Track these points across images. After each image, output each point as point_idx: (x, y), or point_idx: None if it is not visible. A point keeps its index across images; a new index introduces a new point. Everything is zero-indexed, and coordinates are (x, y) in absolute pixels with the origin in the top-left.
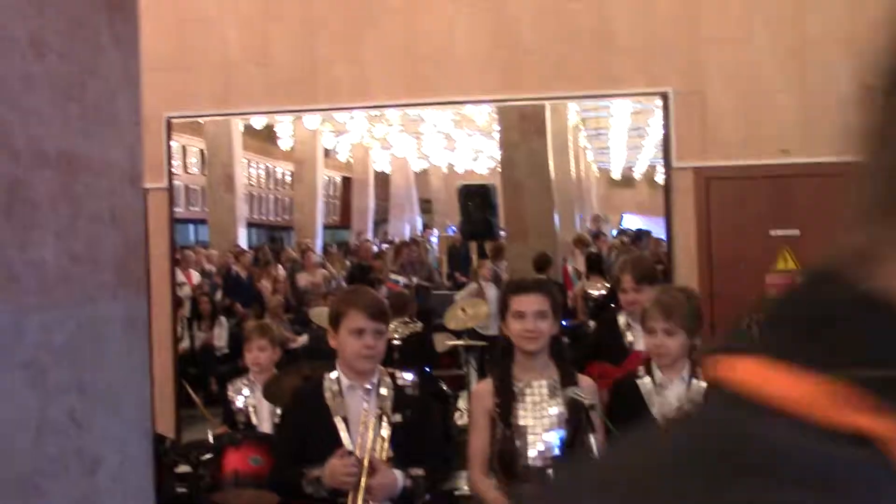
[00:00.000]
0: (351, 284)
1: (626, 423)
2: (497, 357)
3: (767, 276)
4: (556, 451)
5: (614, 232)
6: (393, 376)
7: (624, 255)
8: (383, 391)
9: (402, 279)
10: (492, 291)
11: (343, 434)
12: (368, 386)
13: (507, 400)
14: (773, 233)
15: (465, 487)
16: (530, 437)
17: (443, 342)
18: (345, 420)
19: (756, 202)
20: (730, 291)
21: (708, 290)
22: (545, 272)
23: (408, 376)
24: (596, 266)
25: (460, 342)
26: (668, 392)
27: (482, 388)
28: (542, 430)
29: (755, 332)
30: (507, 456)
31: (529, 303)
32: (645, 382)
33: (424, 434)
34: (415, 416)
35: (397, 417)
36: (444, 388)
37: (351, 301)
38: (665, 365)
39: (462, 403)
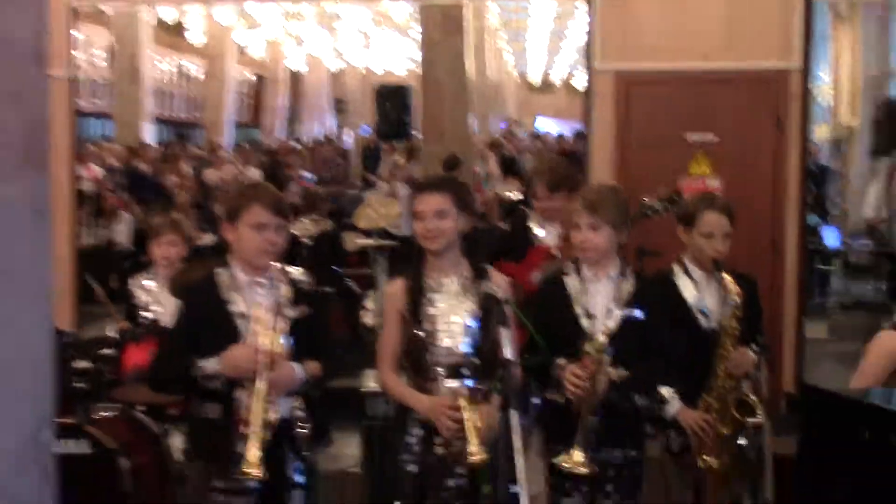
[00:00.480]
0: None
1: (550, 319)
2: (406, 257)
3: (680, 181)
4: (467, 348)
5: (525, 134)
6: (285, 272)
7: (539, 159)
8: (280, 286)
9: (311, 176)
10: (404, 192)
11: (241, 327)
12: (264, 280)
13: (417, 298)
14: (689, 137)
15: (374, 385)
16: (441, 334)
17: (353, 241)
18: (241, 315)
19: (676, 108)
20: (644, 193)
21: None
22: (455, 173)
23: (299, 272)
24: (510, 169)
25: (370, 242)
26: (595, 290)
27: (394, 288)
28: (453, 326)
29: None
30: (415, 353)
31: (427, 202)
32: (571, 279)
33: (320, 329)
34: (311, 310)
35: (294, 312)
36: (353, 287)
37: (252, 195)
38: (591, 261)
39: (370, 303)
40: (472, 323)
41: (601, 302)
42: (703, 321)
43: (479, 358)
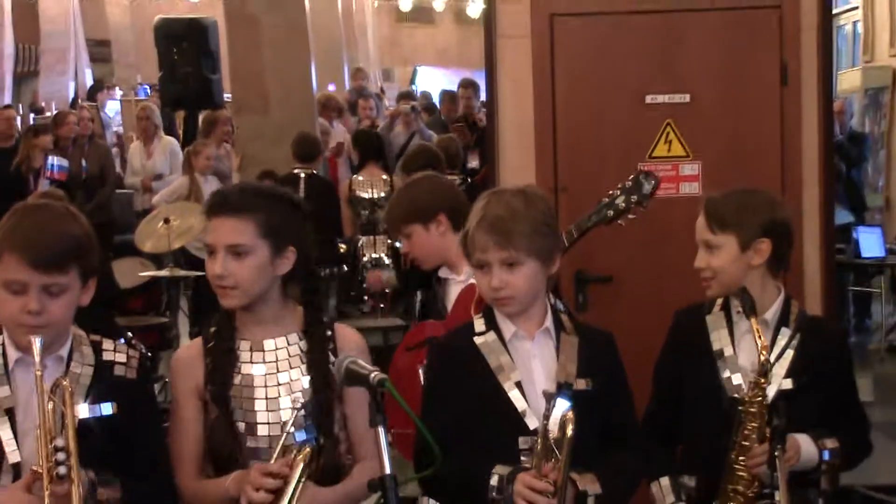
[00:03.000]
0: None
1: (458, 401)
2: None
3: (641, 165)
4: (301, 437)
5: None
6: (98, 345)
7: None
8: (76, 368)
9: (62, 164)
10: (213, 190)
11: (3, 433)
12: (48, 362)
13: (223, 368)
14: (650, 99)
15: None
16: (260, 426)
17: (133, 272)
18: (9, 413)
19: (628, 54)
20: (583, 186)
21: (551, 183)
22: (313, 163)
23: (120, 348)
24: (371, 150)
25: (162, 273)
26: (525, 354)
27: (187, 356)
28: (278, 412)
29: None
30: (224, 454)
31: (219, 231)
32: (486, 340)
33: (135, 436)
34: (123, 408)
35: (94, 409)
36: (134, 345)
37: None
38: (514, 314)
39: (166, 369)
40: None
41: (539, 371)
42: (730, 389)
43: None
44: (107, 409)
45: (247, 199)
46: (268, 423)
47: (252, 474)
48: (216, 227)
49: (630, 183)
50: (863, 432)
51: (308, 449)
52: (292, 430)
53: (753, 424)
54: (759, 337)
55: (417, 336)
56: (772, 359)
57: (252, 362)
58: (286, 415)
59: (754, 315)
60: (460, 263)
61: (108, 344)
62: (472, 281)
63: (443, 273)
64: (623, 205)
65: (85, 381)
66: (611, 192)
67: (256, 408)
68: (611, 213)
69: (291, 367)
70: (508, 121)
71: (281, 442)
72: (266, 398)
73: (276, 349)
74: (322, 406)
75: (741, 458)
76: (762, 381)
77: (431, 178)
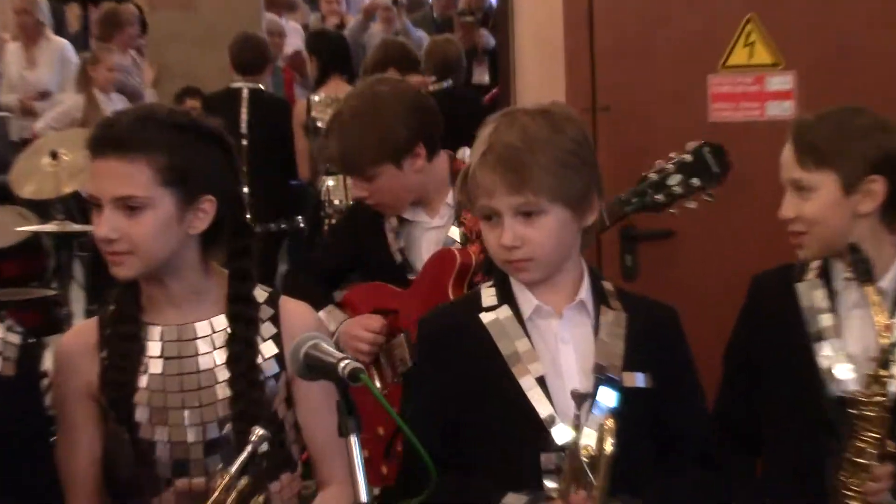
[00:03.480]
0: None
1: (459, 402)
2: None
3: (711, 78)
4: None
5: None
6: None
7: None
8: None
9: None
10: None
11: None
12: None
13: (122, 364)
14: None
15: None
16: (175, 445)
17: (7, 227)
18: None
19: None
20: (630, 103)
21: (587, 102)
22: (258, 75)
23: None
24: (335, 59)
25: (48, 227)
26: (552, 338)
27: (72, 344)
28: (201, 427)
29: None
30: (122, 477)
31: (102, 178)
32: (496, 317)
33: (14, 451)
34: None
35: None
36: (12, 328)
37: None
38: (534, 281)
39: (52, 361)
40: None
41: (570, 361)
42: (833, 383)
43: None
44: None
45: (139, 131)
46: (185, 443)
47: None
48: (99, 171)
49: (690, 157)
50: None
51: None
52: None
53: (871, 434)
54: (879, 313)
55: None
56: None
57: (164, 356)
58: (211, 431)
59: (870, 282)
60: (438, 201)
61: None
62: (454, 239)
63: (410, 214)
64: (680, 189)
65: None
66: (659, 164)
67: (170, 419)
68: (660, 198)
69: (217, 364)
70: (528, 18)
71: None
72: (184, 406)
73: (197, 337)
74: (246, 416)
75: (853, 479)
76: (883, 373)
77: (397, 92)
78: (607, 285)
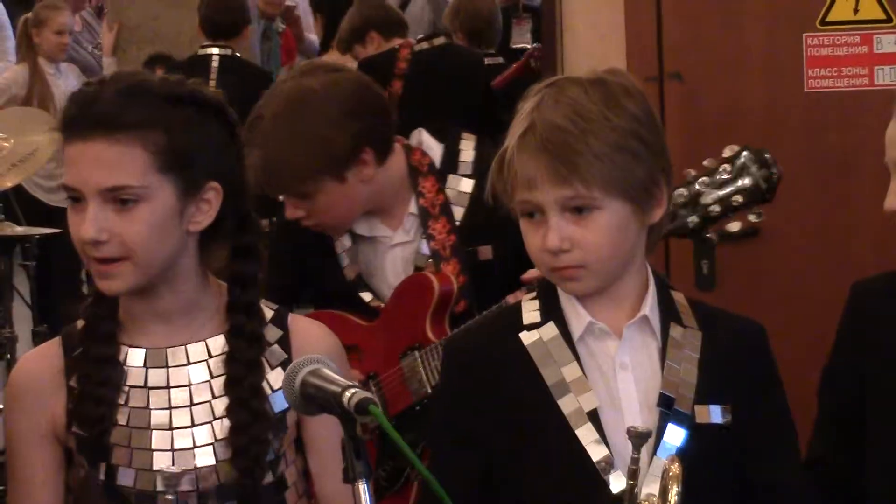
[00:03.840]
0: None
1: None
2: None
3: (807, 37)
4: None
5: None
6: None
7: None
8: None
9: None
10: (72, 87)
11: None
12: None
13: (97, 396)
14: None
15: None
16: (160, 496)
17: None
18: None
19: None
20: (706, 70)
21: (653, 70)
22: (233, 38)
23: None
24: (342, 16)
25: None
26: (605, 359)
27: (31, 372)
28: (194, 473)
29: None
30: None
31: (85, 168)
32: (538, 336)
33: None
34: None
35: None
36: None
37: None
38: (588, 292)
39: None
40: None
41: (630, 392)
42: None
43: None
44: None
45: (129, 105)
46: (174, 490)
47: None
48: (80, 157)
49: (735, 168)
50: None
51: None
52: None
53: None
54: None
55: None
56: None
57: (148, 386)
58: (205, 478)
59: None
60: (399, 210)
61: None
62: (426, 256)
63: (366, 229)
64: (717, 208)
65: None
66: (694, 174)
67: (156, 464)
68: (695, 219)
69: (215, 396)
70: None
71: None
72: (172, 449)
73: (190, 363)
74: (249, 454)
75: None
76: None
77: (329, 85)
78: (678, 297)
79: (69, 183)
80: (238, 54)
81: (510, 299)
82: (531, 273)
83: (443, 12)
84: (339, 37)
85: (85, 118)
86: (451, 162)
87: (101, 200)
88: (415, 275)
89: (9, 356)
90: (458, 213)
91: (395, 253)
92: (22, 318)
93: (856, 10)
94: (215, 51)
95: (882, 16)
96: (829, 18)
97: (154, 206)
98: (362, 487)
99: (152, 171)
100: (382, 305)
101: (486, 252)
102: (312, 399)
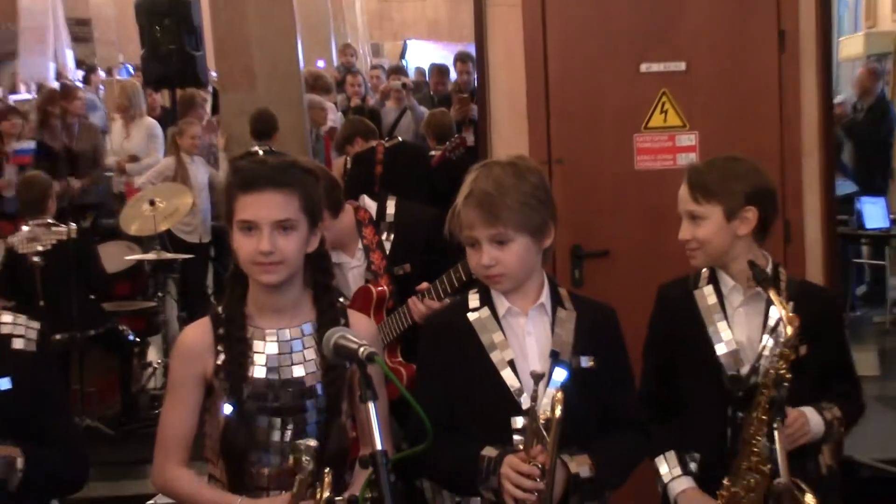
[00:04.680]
0: None
1: (451, 378)
2: (200, 276)
3: (637, 136)
4: (312, 435)
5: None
6: None
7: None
8: None
9: (31, 146)
10: (200, 171)
11: None
12: None
13: (235, 356)
14: (644, 68)
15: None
16: (272, 417)
17: (119, 256)
18: None
19: (620, 22)
20: (577, 156)
21: (544, 155)
22: (269, 140)
23: (19, 321)
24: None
25: (149, 256)
26: (519, 330)
27: (193, 339)
28: (292, 403)
29: None
30: (237, 446)
31: (262, 206)
32: (479, 317)
33: (39, 408)
34: (23, 380)
35: None
36: (123, 330)
37: None
38: (508, 290)
39: (155, 355)
40: (321, 409)
41: (533, 349)
42: (729, 365)
43: (325, 453)
44: (3, 384)
45: (288, 173)
46: (280, 418)
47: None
48: (259, 202)
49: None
50: (857, 395)
51: (328, 478)
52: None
53: (766, 397)
54: (784, 308)
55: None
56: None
57: (266, 353)
58: (300, 414)
59: (774, 287)
60: (352, 246)
61: (6, 317)
62: (372, 274)
63: (334, 258)
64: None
65: None
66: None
67: (269, 402)
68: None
69: (306, 360)
70: (501, 92)
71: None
72: (281, 388)
73: (291, 339)
74: (333, 385)
75: (758, 435)
76: (787, 352)
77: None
78: (562, 291)
79: (247, 218)
80: (272, 149)
81: (410, 303)
82: (423, 285)
83: (420, 124)
84: (336, 141)
85: (263, 178)
86: (381, 215)
87: (272, 228)
88: (363, 286)
89: (163, 331)
90: (388, 246)
91: (353, 272)
92: (171, 308)
93: (664, 120)
94: (259, 148)
95: (680, 123)
96: (650, 125)
97: (300, 233)
98: (371, 406)
99: (300, 211)
100: (347, 303)
101: (405, 268)
102: (340, 351)
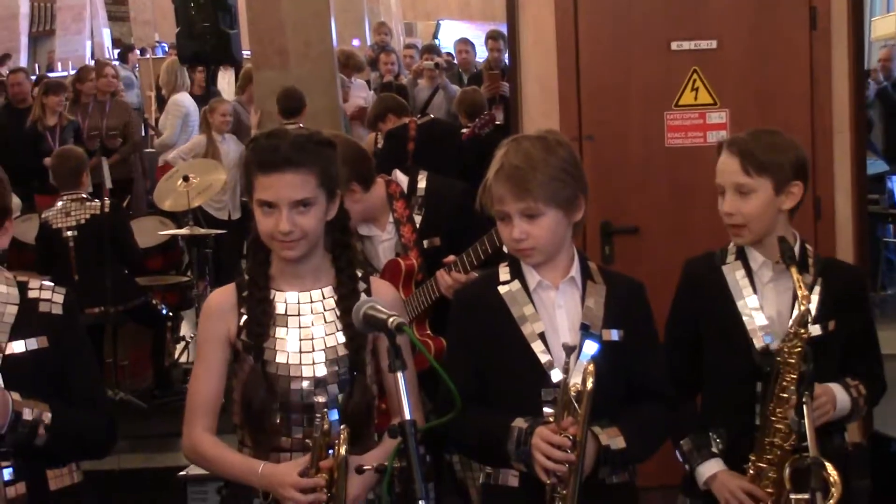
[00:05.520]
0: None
1: (482, 351)
2: (237, 251)
3: (667, 114)
4: (334, 416)
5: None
6: (24, 284)
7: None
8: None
9: (73, 125)
10: (231, 149)
11: None
12: None
13: (258, 319)
14: (676, 46)
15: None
16: (294, 379)
17: (152, 231)
18: None
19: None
20: (607, 133)
21: (575, 132)
22: (298, 117)
23: (46, 286)
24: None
25: (182, 231)
26: (550, 303)
27: (218, 301)
28: (313, 366)
29: None
30: (256, 404)
31: (280, 188)
32: (509, 289)
33: (68, 367)
34: (52, 341)
35: (23, 344)
36: (157, 304)
37: None
38: (538, 264)
39: (188, 329)
40: (342, 367)
41: (563, 322)
42: (758, 341)
43: (348, 421)
44: (34, 343)
45: (304, 151)
46: (300, 377)
47: (288, 490)
48: (276, 183)
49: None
50: (879, 373)
51: (345, 434)
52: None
53: (792, 376)
54: (801, 286)
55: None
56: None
57: (287, 314)
58: (320, 370)
59: (795, 264)
60: (383, 219)
61: (34, 283)
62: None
63: (365, 231)
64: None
65: (9, 319)
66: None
67: (290, 361)
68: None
69: (327, 322)
70: (531, 71)
71: (314, 448)
72: (300, 351)
73: (312, 302)
74: (356, 348)
75: (779, 410)
76: (802, 331)
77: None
78: (591, 265)
79: (267, 198)
80: (301, 125)
81: (437, 275)
82: (450, 258)
83: (452, 103)
84: (368, 118)
85: (279, 160)
86: (412, 189)
87: (291, 207)
88: (392, 259)
89: (196, 306)
90: (418, 220)
91: (384, 245)
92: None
93: (695, 98)
94: (288, 125)
95: (711, 101)
96: (680, 102)
97: (318, 208)
98: (400, 375)
99: (317, 188)
100: (377, 276)
101: (434, 242)
102: (369, 321)
